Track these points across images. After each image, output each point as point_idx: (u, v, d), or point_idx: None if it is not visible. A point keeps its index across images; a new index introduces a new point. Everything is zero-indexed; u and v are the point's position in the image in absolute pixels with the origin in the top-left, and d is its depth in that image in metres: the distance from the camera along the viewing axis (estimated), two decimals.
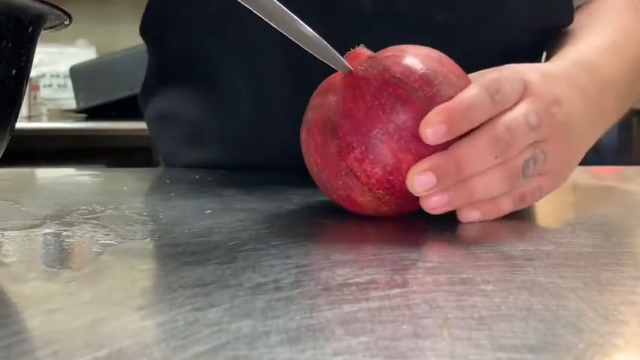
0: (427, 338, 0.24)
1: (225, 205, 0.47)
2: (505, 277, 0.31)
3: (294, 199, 0.49)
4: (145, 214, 0.46)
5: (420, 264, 0.33)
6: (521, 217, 0.45)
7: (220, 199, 0.50)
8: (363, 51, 0.44)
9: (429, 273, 0.32)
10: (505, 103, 0.42)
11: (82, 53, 2.17)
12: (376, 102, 0.40)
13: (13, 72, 0.38)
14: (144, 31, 0.71)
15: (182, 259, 0.34)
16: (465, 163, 0.40)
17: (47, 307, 0.27)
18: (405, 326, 0.25)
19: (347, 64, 0.42)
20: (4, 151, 0.41)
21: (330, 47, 0.42)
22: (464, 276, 0.31)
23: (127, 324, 0.25)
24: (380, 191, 0.41)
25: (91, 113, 1.98)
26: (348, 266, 0.32)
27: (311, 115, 0.44)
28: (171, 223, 0.42)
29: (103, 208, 0.45)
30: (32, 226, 0.40)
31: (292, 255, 0.34)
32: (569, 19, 0.64)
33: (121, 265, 0.34)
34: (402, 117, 0.40)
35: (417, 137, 0.40)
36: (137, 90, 0.77)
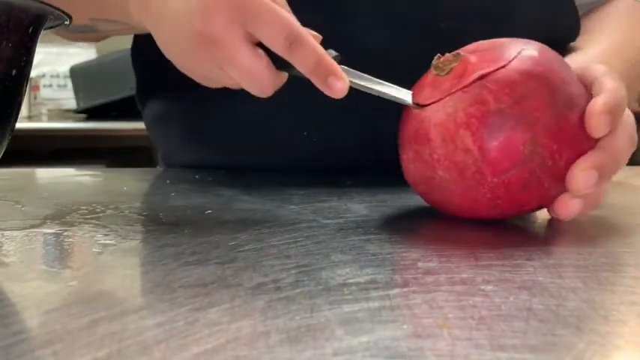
0: (427, 338, 0.24)
1: (225, 205, 0.47)
2: (505, 277, 0.31)
3: (294, 199, 0.49)
4: (145, 214, 0.46)
5: (420, 264, 0.33)
6: (520, 218, 0.45)
7: (220, 199, 0.50)
8: (464, 65, 0.41)
9: (429, 273, 0.32)
10: None
11: (82, 53, 2.17)
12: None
13: (13, 72, 0.38)
14: (137, 51, 0.71)
15: (182, 259, 0.34)
16: (620, 159, 0.41)
17: (47, 307, 0.27)
18: (405, 326, 0.25)
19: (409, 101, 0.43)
20: (4, 151, 0.41)
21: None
22: (464, 276, 0.31)
23: (127, 324, 0.25)
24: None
25: (91, 113, 1.98)
26: (348, 266, 0.32)
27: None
28: (171, 223, 0.42)
29: (103, 208, 0.45)
30: (32, 226, 0.40)
31: (292, 255, 0.34)
32: (575, 33, 0.64)
33: (121, 265, 0.34)
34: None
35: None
36: None
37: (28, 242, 0.37)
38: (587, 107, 0.40)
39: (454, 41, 0.44)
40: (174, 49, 0.46)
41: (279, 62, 0.43)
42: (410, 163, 0.43)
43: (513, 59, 0.40)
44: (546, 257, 0.35)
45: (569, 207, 0.41)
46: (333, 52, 0.43)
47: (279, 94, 0.63)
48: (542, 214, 0.46)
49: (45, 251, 0.37)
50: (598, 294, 0.30)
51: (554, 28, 0.62)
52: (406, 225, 0.44)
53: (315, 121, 0.61)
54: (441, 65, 0.42)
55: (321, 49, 0.42)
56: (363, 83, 0.43)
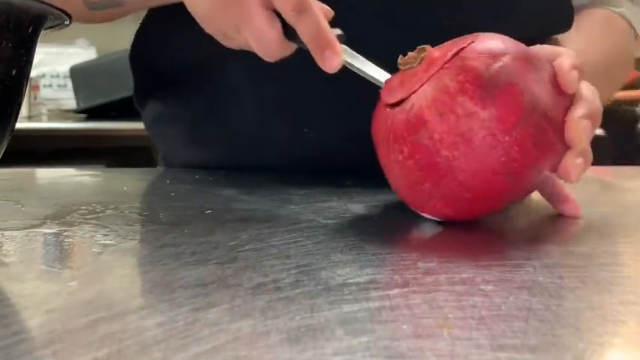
0: (427, 338, 0.24)
1: (225, 205, 0.47)
2: (505, 277, 0.31)
3: (294, 199, 0.49)
4: (145, 214, 0.46)
5: (420, 264, 0.33)
6: (520, 218, 0.45)
7: (220, 199, 0.50)
8: (436, 55, 0.42)
9: (429, 273, 0.32)
10: None
11: (82, 53, 2.17)
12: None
13: (13, 72, 0.38)
14: (137, 52, 0.71)
15: (182, 259, 0.34)
16: (599, 108, 0.44)
17: (47, 307, 0.27)
18: (405, 326, 0.25)
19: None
20: (4, 151, 0.41)
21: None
22: (464, 276, 0.31)
23: (127, 324, 0.25)
24: None
25: (91, 113, 1.97)
26: (348, 266, 0.32)
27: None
28: (171, 223, 0.42)
29: (103, 208, 0.45)
30: (32, 226, 0.40)
31: (292, 255, 0.34)
32: (569, 21, 0.64)
33: (121, 265, 0.34)
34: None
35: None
36: None
37: (28, 242, 0.37)
38: (555, 66, 0.42)
39: (449, 38, 0.44)
40: (202, 8, 0.50)
41: (288, 33, 0.46)
42: (407, 160, 0.40)
43: (476, 38, 0.42)
44: (546, 257, 0.35)
45: (575, 167, 0.42)
46: (338, 31, 0.45)
47: (279, 95, 0.63)
48: (542, 214, 0.46)
49: (45, 251, 0.37)
50: (597, 294, 0.30)
51: (550, 23, 0.63)
52: (406, 225, 0.44)
53: (315, 122, 0.61)
54: (410, 60, 0.42)
55: (325, 22, 0.45)
56: (357, 65, 0.45)
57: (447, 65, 0.40)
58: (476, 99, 0.39)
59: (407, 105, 0.41)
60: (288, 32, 0.46)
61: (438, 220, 0.42)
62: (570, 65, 0.42)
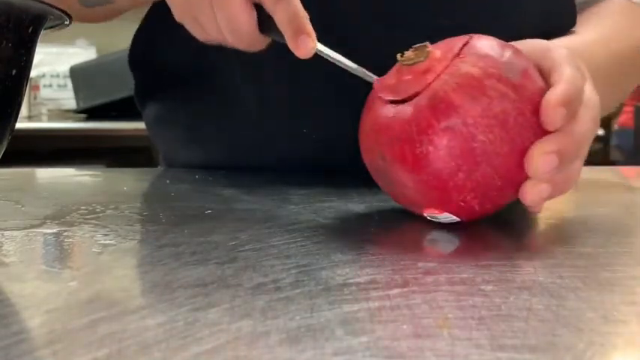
0: (427, 338, 0.24)
1: (225, 205, 0.47)
2: (505, 277, 0.31)
3: (294, 199, 0.49)
4: (145, 214, 0.46)
5: (420, 264, 0.33)
6: (520, 218, 0.45)
7: (220, 199, 0.50)
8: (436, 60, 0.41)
9: (429, 273, 0.32)
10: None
11: (82, 53, 2.17)
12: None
13: (13, 72, 0.38)
14: (136, 52, 0.71)
15: (182, 259, 0.34)
16: (582, 143, 0.40)
17: (47, 307, 0.27)
18: (405, 326, 0.25)
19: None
20: (4, 151, 0.41)
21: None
22: (464, 276, 0.31)
23: (127, 324, 0.25)
24: None
25: (91, 113, 1.98)
26: (348, 266, 0.32)
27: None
28: (172, 223, 0.42)
29: (103, 208, 0.45)
30: (32, 226, 0.40)
31: (292, 255, 0.34)
32: (572, 22, 0.64)
33: (121, 265, 0.34)
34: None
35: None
36: None
37: (28, 242, 0.37)
38: (544, 98, 0.39)
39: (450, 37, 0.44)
40: None
41: (264, 26, 0.45)
42: (438, 150, 0.38)
43: (470, 37, 0.42)
44: (546, 257, 0.35)
45: (534, 193, 0.39)
46: None
47: (279, 96, 0.63)
48: (542, 215, 0.46)
49: (45, 251, 0.37)
50: (598, 294, 0.30)
51: (553, 23, 0.62)
52: (407, 225, 0.44)
53: (315, 121, 0.61)
54: (413, 56, 0.41)
55: (304, 11, 0.43)
56: (331, 55, 0.44)
57: (461, 55, 0.40)
58: (504, 81, 0.39)
59: (427, 94, 0.39)
60: (264, 25, 0.45)
61: (454, 221, 0.41)
62: (559, 100, 0.39)
